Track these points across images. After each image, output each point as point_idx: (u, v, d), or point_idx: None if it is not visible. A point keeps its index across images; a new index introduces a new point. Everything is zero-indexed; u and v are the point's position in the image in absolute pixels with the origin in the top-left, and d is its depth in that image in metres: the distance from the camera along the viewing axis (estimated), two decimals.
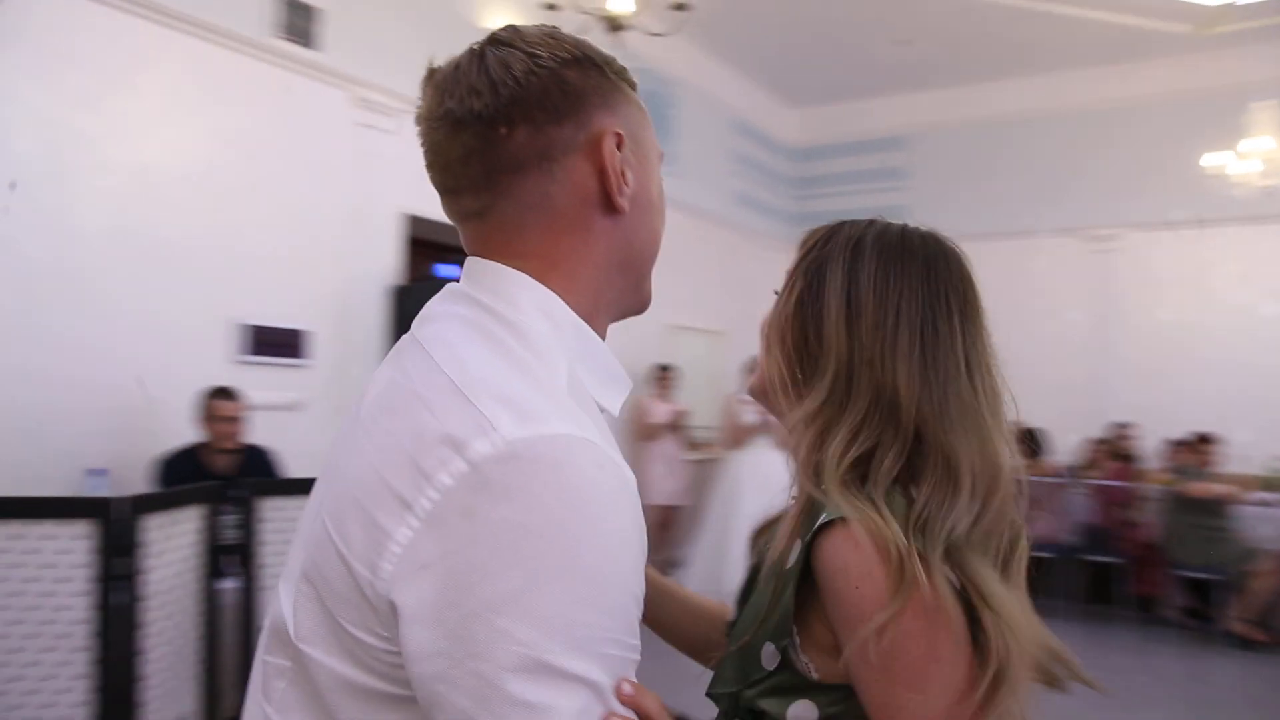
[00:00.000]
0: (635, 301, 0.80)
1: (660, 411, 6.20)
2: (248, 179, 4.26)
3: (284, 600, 0.68)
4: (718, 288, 7.62)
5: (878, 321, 0.79)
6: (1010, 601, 0.73)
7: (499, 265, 0.71)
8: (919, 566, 0.69)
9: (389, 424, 0.63)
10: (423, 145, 0.73)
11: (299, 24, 4.44)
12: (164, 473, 3.59)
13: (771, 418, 0.95)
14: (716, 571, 5.48)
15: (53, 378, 3.45)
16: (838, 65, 7.66)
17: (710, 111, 7.71)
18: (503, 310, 0.68)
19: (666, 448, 6.19)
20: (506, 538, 0.55)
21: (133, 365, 3.74)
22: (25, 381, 3.33)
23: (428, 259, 5.36)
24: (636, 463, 6.11)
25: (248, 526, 2.95)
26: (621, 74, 0.75)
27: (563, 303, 0.71)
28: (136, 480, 3.58)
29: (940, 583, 0.69)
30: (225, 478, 3.45)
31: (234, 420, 3.72)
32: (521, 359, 0.65)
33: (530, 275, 0.70)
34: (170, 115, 4.00)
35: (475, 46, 0.72)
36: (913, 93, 8.11)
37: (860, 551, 0.71)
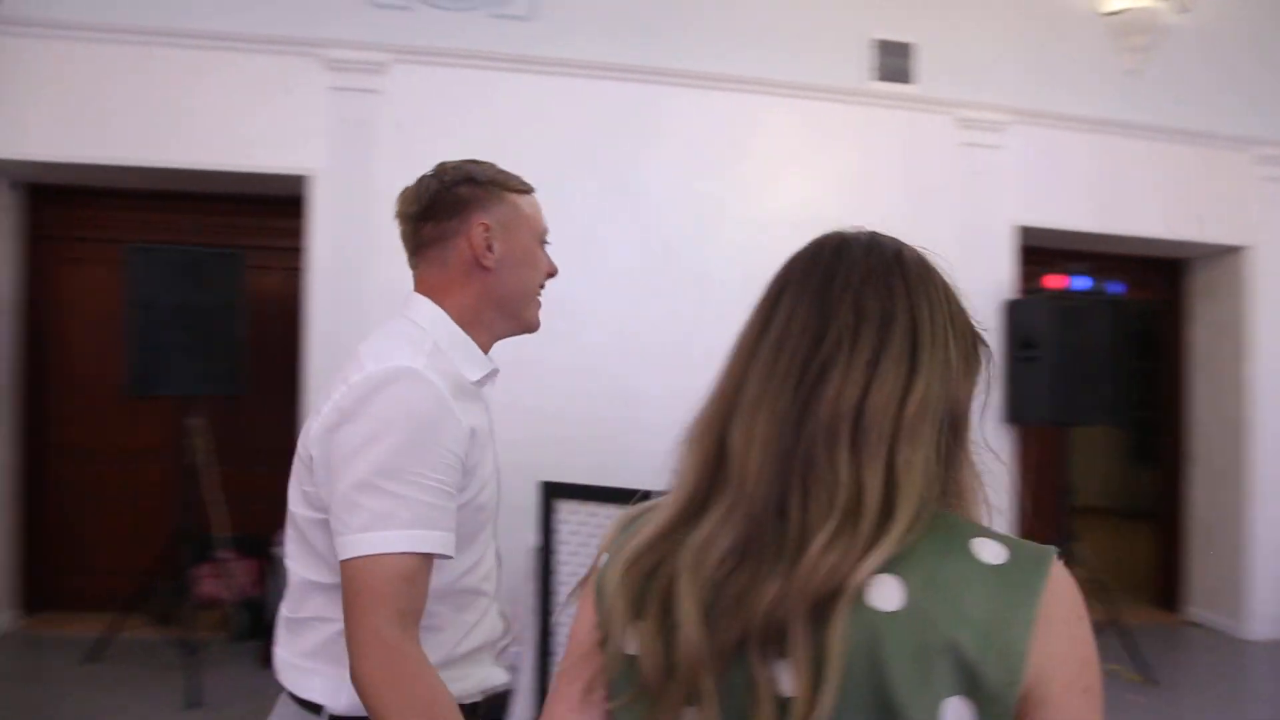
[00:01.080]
0: (517, 324, 1.31)
1: None
2: (858, 216, 4.50)
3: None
4: None
5: None
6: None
7: (417, 295, 1.26)
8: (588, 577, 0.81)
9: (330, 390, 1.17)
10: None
11: (894, 63, 4.58)
12: None
13: None
14: None
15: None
16: None
17: None
18: (408, 314, 1.24)
19: None
20: (358, 419, 1.07)
21: None
22: (682, 399, 4.01)
23: (1041, 269, 4.98)
24: None
25: None
26: (502, 184, 1.27)
27: (445, 315, 1.23)
28: None
29: (587, 593, 0.80)
30: None
31: None
32: (407, 337, 1.18)
33: (433, 300, 1.24)
34: (782, 170, 4.49)
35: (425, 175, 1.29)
36: None
37: None
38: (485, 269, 1.24)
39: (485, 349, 1.28)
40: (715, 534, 0.70)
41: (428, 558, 1.07)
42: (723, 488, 0.72)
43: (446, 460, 1.09)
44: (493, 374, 1.27)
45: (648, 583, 0.73)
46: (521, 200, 1.29)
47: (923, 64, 4.60)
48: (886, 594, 0.66)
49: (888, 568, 0.66)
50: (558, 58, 4.29)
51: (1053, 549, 0.69)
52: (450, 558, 1.10)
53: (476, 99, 4.23)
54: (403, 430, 1.06)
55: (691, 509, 0.74)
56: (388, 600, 1.01)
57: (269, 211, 4.53)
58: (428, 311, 1.23)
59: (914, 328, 0.74)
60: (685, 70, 4.39)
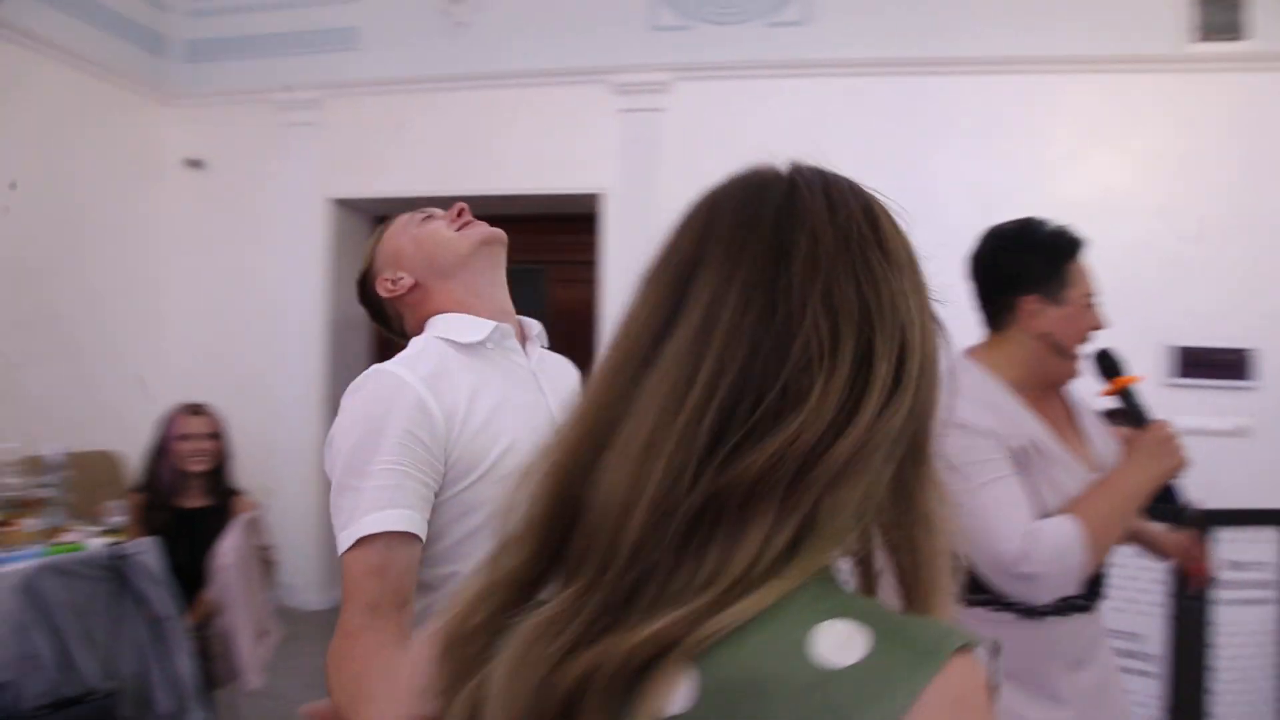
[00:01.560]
0: (465, 260, 1.34)
1: None
2: (1180, 200, 4.05)
3: None
4: None
5: None
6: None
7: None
8: None
9: None
10: None
11: (1220, 17, 4.04)
12: None
13: None
14: None
15: None
16: None
17: None
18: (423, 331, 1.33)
19: None
20: (336, 430, 1.15)
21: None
22: None
23: None
24: None
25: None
26: (370, 256, 1.39)
27: (442, 313, 1.30)
28: None
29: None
30: None
31: None
32: (405, 349, 1.25)
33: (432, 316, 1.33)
34: (1084, 153, 4.12)
35: None
36: None
37: None
38: (413, 289, 1.33)
39: (497, 315, 1.31)
40: (559, 619, 0.49)
41: (397, 536, 1.08)
42: (580, 555, 0.51)
43: (399, 440, 1.10)
44: (499, 331, 1.28)
45: (465, 665, 0.53)
46: (384, 237, 1.39)
47: (1258, 13, 4.02)
48: (673, 694, 0.46)
49: (695, 654, 0.46)
50: (834, 59, 4.29)
51: (957, 640, 0.45)
52: (414, 534, 1.10)
53: (755, 108, 4.34)
54: (360, 426, 1.12)
55: (530, 577, 0.54)
56: (355, 596, 1.08)
57: (569, 229, 4.97)
58: (432, 323, 1.31)
59: (902, 326, 0.51)
60: (968, 57, 4.19)
